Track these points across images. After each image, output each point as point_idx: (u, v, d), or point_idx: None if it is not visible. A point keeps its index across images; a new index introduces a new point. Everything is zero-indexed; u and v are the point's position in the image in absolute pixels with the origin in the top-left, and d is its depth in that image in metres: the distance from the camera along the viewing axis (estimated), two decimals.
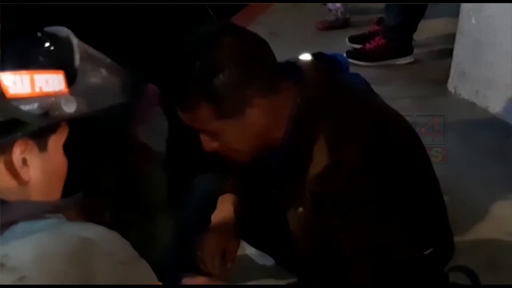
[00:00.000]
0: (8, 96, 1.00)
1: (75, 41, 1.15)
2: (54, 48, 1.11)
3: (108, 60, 1.24)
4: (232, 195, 1.71)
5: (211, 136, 1.42)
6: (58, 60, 1.10)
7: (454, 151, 2.58)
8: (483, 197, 2.43)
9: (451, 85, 3.26)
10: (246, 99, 1.36)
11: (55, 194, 1.15)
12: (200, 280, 1.48)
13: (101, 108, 1.16)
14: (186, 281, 1.48)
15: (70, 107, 1.07)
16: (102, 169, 1.93)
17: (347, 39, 3.78)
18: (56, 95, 1.06)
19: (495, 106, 3.01)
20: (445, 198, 1.67)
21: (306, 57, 1.61)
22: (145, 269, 1.08)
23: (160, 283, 1.10)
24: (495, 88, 2.98)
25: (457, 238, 1.71)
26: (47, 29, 1.14)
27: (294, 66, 1.49)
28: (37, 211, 1.05)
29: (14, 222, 1.00)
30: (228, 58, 1.34)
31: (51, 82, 1.06)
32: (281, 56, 1.46)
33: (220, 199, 1.71)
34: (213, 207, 1.71)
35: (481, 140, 2.82)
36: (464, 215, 2.29)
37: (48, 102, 1.05)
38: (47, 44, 1.11)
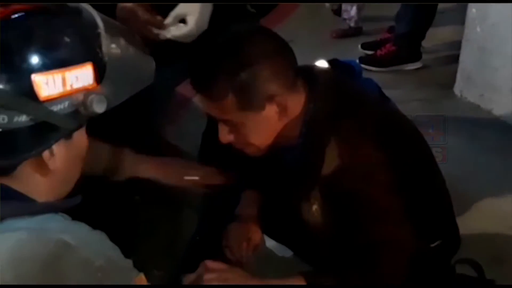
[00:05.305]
0: (41, 99, 0.96)
1: (101, 24, 1.06)
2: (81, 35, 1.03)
3: (134, 38, 1.16)
4: (255, 190, 1.77)
5: (230, 127, 1.47)
6: (86, 48, 1.03)
7: (459, 151, 2.61)
8: (487, 194, 2.45)
9: (457, 89, 3.29)
10: (267, 95, 1.42)
11: (74, 179, 1.13)
12: (221, 265, 1.48)
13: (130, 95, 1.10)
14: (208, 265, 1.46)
15: (100, 107, 1.02)
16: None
17: (359, 46, 3.80)
18: (86, 91, 1.01)
19: (499, 109, 3.04)
20: (451, 195, 1.72)
21: (321, 63, 1.68)
22: (123, 273, 1.03)
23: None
24: (499, 92, 3.01)
25: (462, 233, 1.77)
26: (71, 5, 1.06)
27: (310, 71, 1.55)
28: (28, 211, 1.01)
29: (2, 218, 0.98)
30: (257, 55, 1.41)
31: (81, 77, 1.00)
32: (298, 62, 1.53)
33: (244, 194, 1.77)
34: (237, 202, 1.77)
35: (485, 140, 2.84)
36: (469, 211, 2.32)
37: (78, 100, 1.00)
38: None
